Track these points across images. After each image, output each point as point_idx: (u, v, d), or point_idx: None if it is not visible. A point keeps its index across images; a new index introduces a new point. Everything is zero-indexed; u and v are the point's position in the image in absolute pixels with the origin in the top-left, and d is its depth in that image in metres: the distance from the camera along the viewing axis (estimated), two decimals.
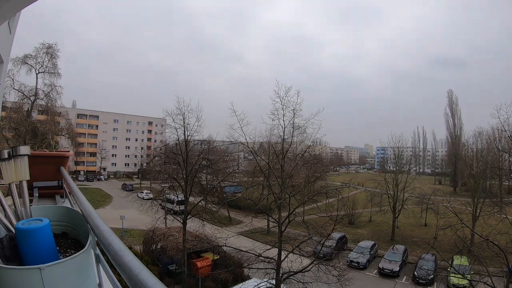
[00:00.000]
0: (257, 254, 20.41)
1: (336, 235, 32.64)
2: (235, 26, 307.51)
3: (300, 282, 19.17)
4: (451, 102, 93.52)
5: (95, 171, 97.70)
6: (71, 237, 2.15)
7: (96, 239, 1.78)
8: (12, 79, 38.51)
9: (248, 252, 21.15)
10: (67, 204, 3.64)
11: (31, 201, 3.34)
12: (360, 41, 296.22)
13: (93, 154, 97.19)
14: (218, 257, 28.26)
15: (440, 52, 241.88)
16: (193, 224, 27.63)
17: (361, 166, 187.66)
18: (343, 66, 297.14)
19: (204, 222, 27.67)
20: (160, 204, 33.74)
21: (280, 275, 19.86)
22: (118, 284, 1.82)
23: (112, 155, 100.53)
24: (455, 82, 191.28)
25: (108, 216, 38.62)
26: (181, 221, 25.66)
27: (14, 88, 39.07)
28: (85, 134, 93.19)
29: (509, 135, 28.63)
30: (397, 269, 31.21)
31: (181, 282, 25.47)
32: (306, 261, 21.22)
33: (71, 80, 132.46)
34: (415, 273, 29.87)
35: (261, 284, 20.27)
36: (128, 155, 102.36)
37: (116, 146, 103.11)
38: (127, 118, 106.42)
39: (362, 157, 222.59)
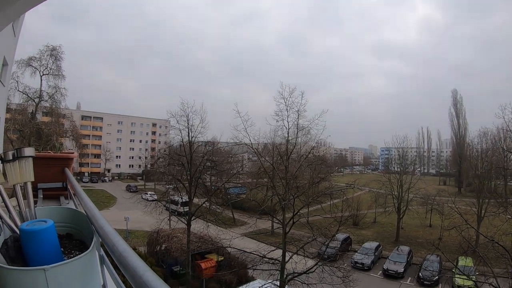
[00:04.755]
0: (262, 255, 20.42)
1: (341, 236, 32.50)
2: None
3: (305, 283, 19.17)
4: (455, 101, 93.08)
5: (99, 172, 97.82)
6: (75, 238, 2.16)
7: (101, 240, 1.78)
8: (17, 81, 38.73)
9: (253, 253, 21.17)
10: (71, 205, 3.65)
11: (35, 202, 3.35)
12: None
13: (97, 156, 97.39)
14: (222, 258, 28.25)
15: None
16: (197, 226, 27.68)
17: (367, 167, 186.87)
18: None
19: (208, 223, 27.72)
20: (165, 206, 33.77)
21: (285, 276, 19.87)
22: (123, 285, 1.82)
23: (116, 156, 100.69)
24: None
25: (112, 217, 38.80)
26: (186, 222, 25.75)
27: (18, 90, 39.32)
28: (89, 135, 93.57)
29: None
30: (402, 270, 31.07)
31: (185, 283, 25.51)
32: (310, 262, 21.18)
33: (76, 81, 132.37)
34: (420, 274, 29.74)
35: (265, 285, 20.22)
36: (132, 157, 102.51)
37: (120, 147, 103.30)
38: (131, 119, 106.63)
39: (367, 158, 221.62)
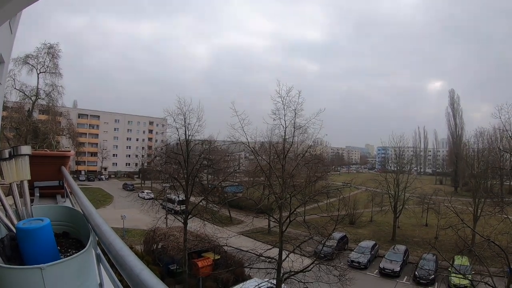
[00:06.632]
0: (258, 254, 20.45)
1: (337, 235, 32.58)
2: None
3: (301, 282, 19.21)
4: (452, 101, 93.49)
5: (96, 171, 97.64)
6: (72, 237, 2.15)
7: (97, 238, 1.78)
8: (14, 79, 38.63)
9: (249, 252, 21.20)
10: (68, 203, 3.64)
11: (32, 200, 3.34)
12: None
13: (94, 154, 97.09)
14: (219, 257, 28.25)
15: None
16: (194, 224, 27.67)
17: (362, 166, 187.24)
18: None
19: (205, 222, 27.72)
20: (161, 204, 33.81)
21: (281, 275, 19.89)
22: (119, 283, 1.82)
23: (113, 155, 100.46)
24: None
25: (109, 216, 38.57)
26: (182, 221, 25.70)
27: (15, 88, 39.20)
28: (86, 134, 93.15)
29: (511, 135, 28.64)
30: (398, 269, 31.19)
31: (182, 282, 25.50)
32: (307, 261, 21.26)
33: (72, 79, 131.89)
34: (416, 273, 29.87)
35: (262, 284, 20.28)
36: (129, 155, 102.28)
37: (117, 146, 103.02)
38: (128, 118, 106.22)
39: (363, 157, 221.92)
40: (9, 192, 2.30)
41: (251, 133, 23.58)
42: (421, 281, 29.24)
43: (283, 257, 20.24)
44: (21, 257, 1.71)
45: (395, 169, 49.00)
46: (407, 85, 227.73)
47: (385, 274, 31.23)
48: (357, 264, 31.84)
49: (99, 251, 2.03)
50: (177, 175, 28.35)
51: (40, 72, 40.71)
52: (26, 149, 2.30)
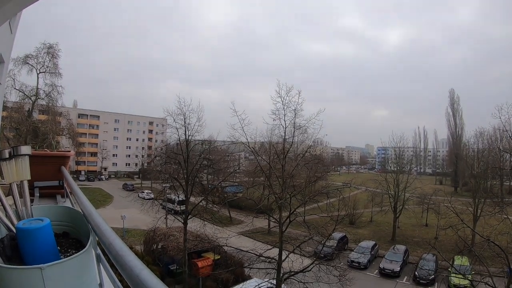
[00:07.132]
0: (258, 254, 20.43)
1: (337, 235, 32.56)
2: None
3: (301, 282, 19.20)
4: (452, 101, 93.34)
5: (96, 171, 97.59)
6: (72, 237, 2.15)
7: (97, 238, 1.78)
8: (13, 79, 38.65)
9: (249, 252, 21.19)
10: (68, 204, 3.64)
11: (32, 201, 3.34)
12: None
13: (94, 154, 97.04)
14: (219, 257, 28.25)
15: None
16: (194, 224, 27.66)
17: (362, 167, 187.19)
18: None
19: (204, 222, 27.70)
20: (161, 204, 33.77)
21: (281, 275, 19.88)
22: (119, 284, 1.82)
23: (113, 155, 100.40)
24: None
25: (109, 216, 38.58)
26: (182, 221, 25.69)
27: (15, 88, 39.21)
28: (86, 134, 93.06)
29: (511, 135, 28.62)
30: (398, 269, 31.18)
31: (182, 282, 25.48)
32: (307, 261, 21.27)
33: (72, 79, 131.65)
34: (416, 273, 29.85)
35: (262, 284, 20.26)
36: (129, 155, 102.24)
37: (117, 146, 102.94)
38: (128, 118, 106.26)
39: (363, 157, 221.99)
40: (9, 192, 2.30)
41: (251, 133, 23.58)
42: (421, 281, 29.22)
43: (283, 257, 20.23)
44: (21, 257, 1.71)
45: (395, 169, 48.94)
46: None
47: (385, 274, 31.22)
48: (357, 264, 31.86)
49: (99, 251, 2.03)
50: (177, 175, 28.33)
51: (40, 72, 40.73)
52: (26, 149, 2.30)
